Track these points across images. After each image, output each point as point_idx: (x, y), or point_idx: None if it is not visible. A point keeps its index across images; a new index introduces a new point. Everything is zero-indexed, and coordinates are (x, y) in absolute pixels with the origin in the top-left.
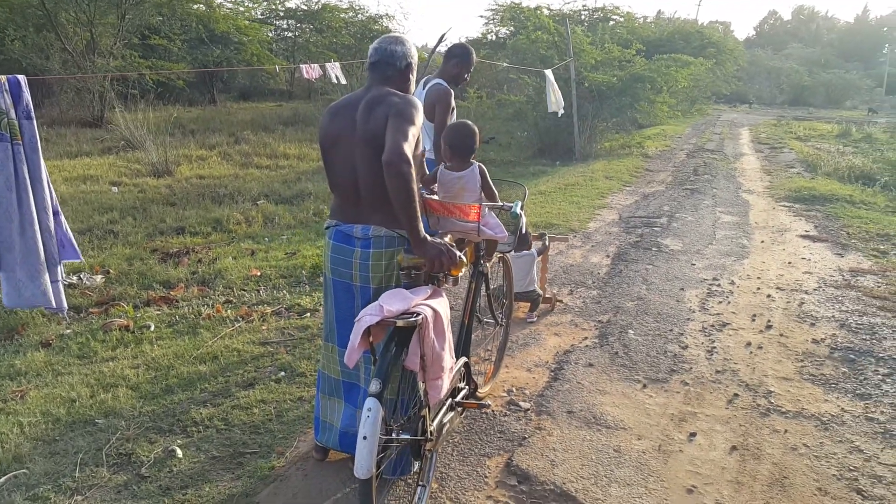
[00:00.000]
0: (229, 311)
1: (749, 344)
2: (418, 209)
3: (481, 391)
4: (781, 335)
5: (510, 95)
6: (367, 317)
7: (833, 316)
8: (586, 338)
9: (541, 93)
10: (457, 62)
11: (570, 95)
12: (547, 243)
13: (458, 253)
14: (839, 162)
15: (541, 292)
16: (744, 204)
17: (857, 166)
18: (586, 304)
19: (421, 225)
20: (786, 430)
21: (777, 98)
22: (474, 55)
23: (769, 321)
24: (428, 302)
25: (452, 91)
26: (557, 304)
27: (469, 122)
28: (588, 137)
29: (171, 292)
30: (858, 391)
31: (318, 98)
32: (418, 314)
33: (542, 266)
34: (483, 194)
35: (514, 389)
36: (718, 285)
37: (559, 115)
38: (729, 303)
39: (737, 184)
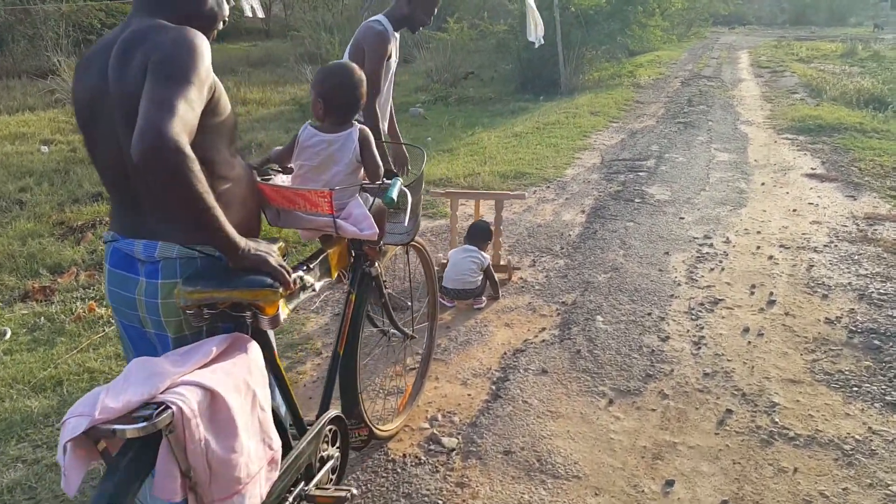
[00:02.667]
0: (105, 309)
1: (747, 329)
2: (215, 208)
3: (386, 429)
4: (787, 314)
5: (491, 24)
6: (73, 420)
7: (849, 283)
8: (544, 329)
9: (524, 20)
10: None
11: (555, 22)
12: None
13: (288, 272)
14: (846, 85)
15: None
16: (742, 138)
17: (866, 89)
18: (550, 279)
19: (229, 229)
20: (795, 470)
21: (778, 18)
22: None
23: (772, 294)
24: (201, 376)
25: (393, 37)
26: (514, 273)
27: (350, 63)
28: (575, 68)
29: (59, 279)
30: (889, 397)
31: (296, 36)
32: (167, 407)
33: (495, 229)
34: (364, 169)
35: (439, 417)
36: (710, 245)
37: (535, 46)
38: (723, 269)
39: (735, 114)
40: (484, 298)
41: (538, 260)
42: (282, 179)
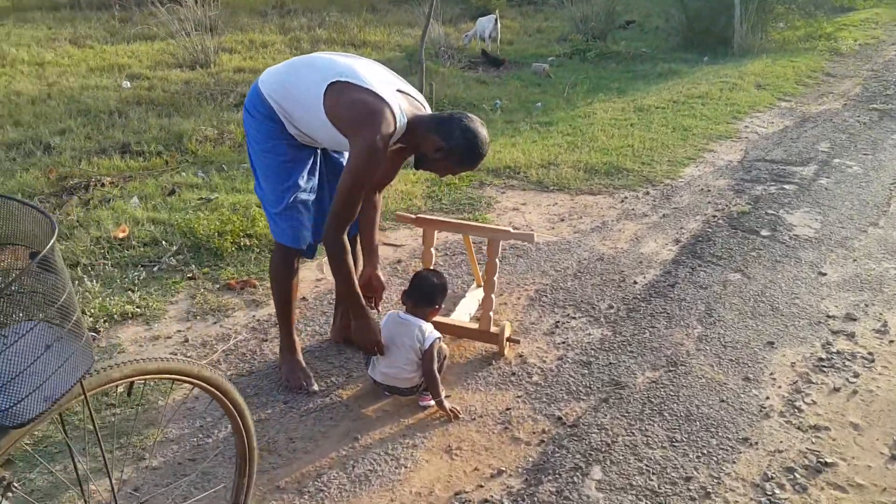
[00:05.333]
0: None
1: None
2: None
3: None
4: None
5: None
6: None
7: None
8: (501, 473)
9: None
10: (443, 151)
11: None
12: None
13: None
14: None
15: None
16: None
17: None
18: (563, 364)
19: None
20: None
21: None
22: (480, 160)
23: None
24: None
25: (398, 155)
26: (511, 346)
27: None
28: (753, 24)
29: None
30: None
31: None
32: None
33: (486, 280)
34: None
35: None
36: (850, 336)
37: None
38: (854, 392)
39: None
40: (429, 399)
41: (562, 324)
42: None
